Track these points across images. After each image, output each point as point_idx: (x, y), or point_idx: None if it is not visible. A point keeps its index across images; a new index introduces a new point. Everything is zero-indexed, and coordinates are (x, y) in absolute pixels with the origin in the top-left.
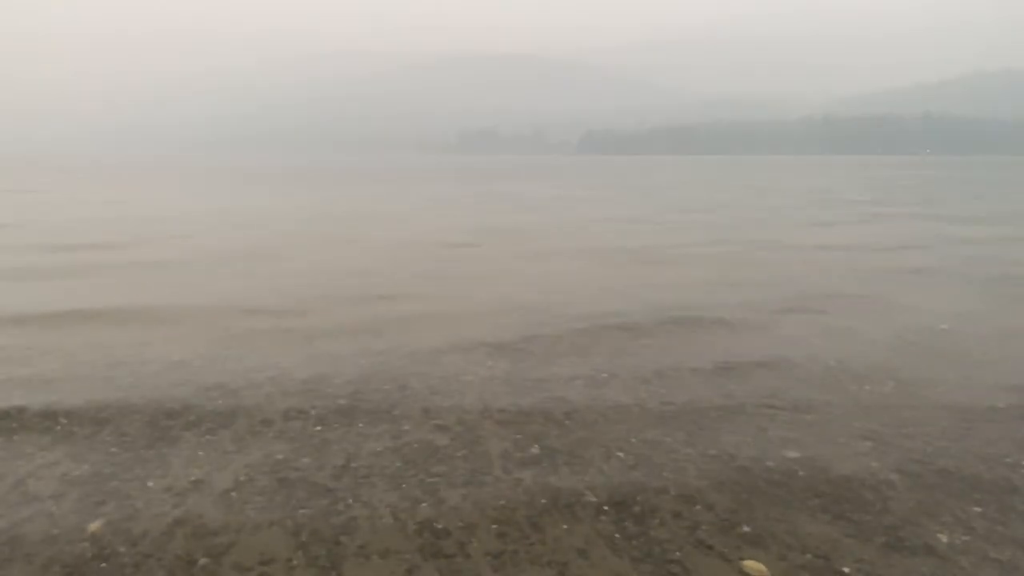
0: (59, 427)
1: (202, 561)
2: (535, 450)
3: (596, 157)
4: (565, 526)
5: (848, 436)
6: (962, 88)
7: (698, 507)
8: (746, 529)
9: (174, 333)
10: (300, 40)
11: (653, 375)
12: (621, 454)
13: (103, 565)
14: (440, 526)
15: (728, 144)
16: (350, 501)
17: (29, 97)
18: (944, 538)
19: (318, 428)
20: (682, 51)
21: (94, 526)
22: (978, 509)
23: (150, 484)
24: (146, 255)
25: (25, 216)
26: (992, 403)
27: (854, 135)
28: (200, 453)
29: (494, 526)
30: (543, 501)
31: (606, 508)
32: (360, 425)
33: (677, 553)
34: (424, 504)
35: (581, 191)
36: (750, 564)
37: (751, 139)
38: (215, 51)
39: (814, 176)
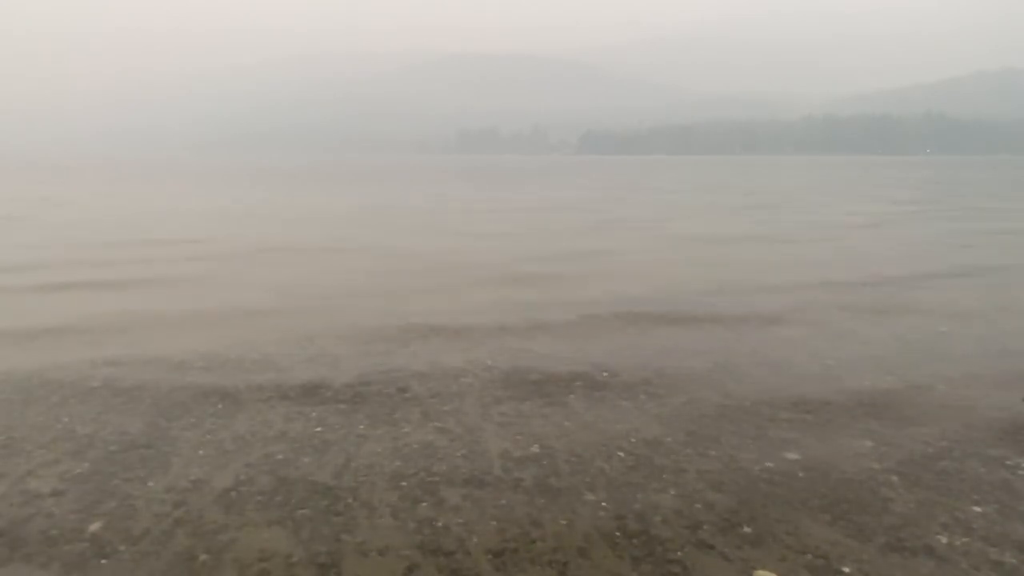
0: None
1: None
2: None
3: (596, 157)
4: (564, 523)
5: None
6: (962, 88)
7: (698, 506)
8: (747, 530)
9: None
10: (300, 40)
11: None
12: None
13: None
14: (440, 524)
15: (728, 144)
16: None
17: (29, 97)
18: (944, 539)
19: None
20: (682, 51)
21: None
22: (978, 510)
23: None
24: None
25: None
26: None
27: (854, 135)
28: None
29: (493, 523)
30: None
31: (606, 507)
32: None
33: (678, 553)
34: (424, 504)
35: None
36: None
37: (751, 139)
38: (215, 51)
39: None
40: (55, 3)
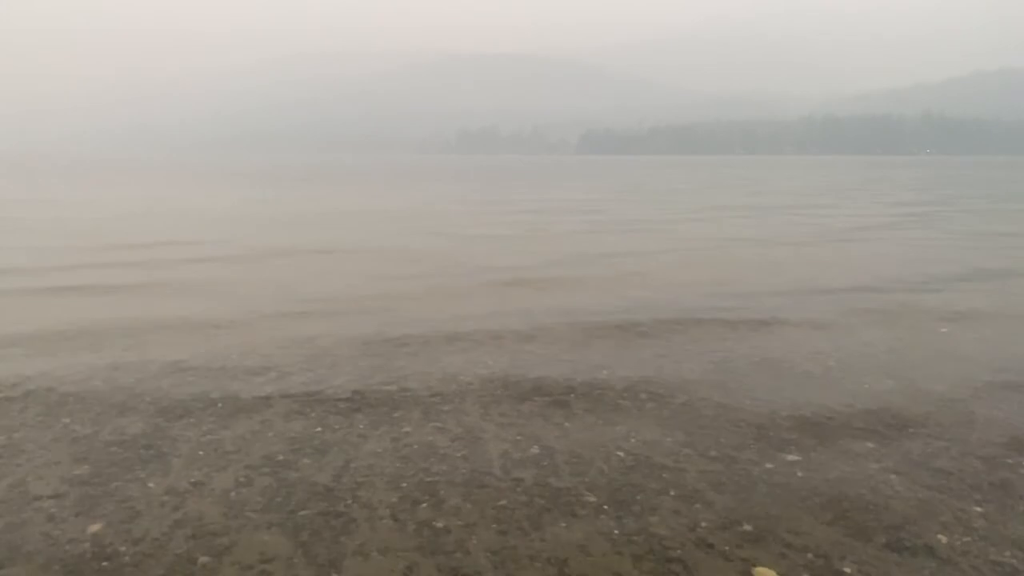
0: None
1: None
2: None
3: (596, 157)
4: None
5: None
6: (962, 88)
7: (698, 505)
8: (747, 528)
9: None
10: (299, 40)
11: None
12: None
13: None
14: (440, 525)
15: (728, 144)
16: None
17: (29, 96)
18: (944, 539)
19: None
20: (682, 51)
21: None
22: (979, 510)
23: None
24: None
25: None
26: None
27: (854, 135)
28: None
29: (493, 523)
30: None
31: (606, 507)
32: None
33: (678, 551)
34: (424, 505)
35: None
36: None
37: (751, 139)
38: (215, 51)
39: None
40: (55, 3)
